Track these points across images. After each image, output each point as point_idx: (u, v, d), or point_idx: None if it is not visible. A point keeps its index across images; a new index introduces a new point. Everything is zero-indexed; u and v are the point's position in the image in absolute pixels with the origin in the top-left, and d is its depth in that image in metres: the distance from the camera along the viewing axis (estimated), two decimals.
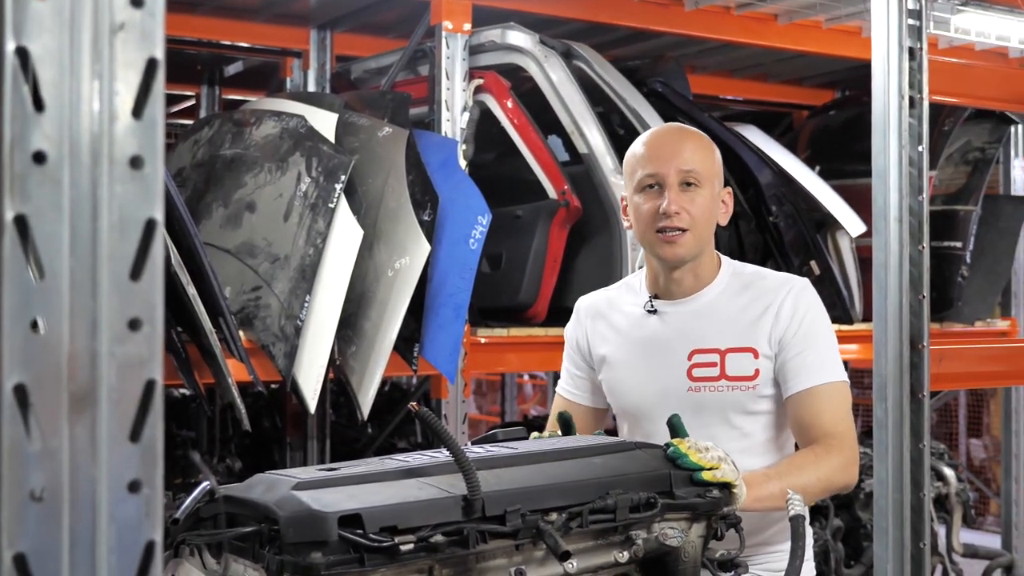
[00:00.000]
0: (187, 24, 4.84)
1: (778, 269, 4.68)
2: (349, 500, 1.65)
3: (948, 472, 5.34)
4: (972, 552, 5.50)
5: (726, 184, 2.39)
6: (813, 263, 4.61)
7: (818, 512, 4.93)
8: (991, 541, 6.19)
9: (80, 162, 0.98)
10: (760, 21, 4.80)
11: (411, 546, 1.65)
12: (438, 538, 1.67)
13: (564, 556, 1.74)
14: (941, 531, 5.32)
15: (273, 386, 4.82)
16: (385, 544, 1.62)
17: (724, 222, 2.36)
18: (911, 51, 2.85)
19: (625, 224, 2.37)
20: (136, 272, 0.97)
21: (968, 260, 5.16)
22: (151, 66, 0.99)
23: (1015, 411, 5.96)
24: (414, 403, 1.76)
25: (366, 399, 3.86)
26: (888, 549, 2.82)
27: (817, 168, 5.26)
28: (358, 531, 1.62)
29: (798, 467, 2.20)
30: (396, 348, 3.89)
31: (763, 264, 4.71)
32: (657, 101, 4.45)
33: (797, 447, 2.35)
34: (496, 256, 4.44)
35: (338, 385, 4.49)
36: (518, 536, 1.75)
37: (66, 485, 0.98)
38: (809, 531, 2.44)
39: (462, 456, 1.72)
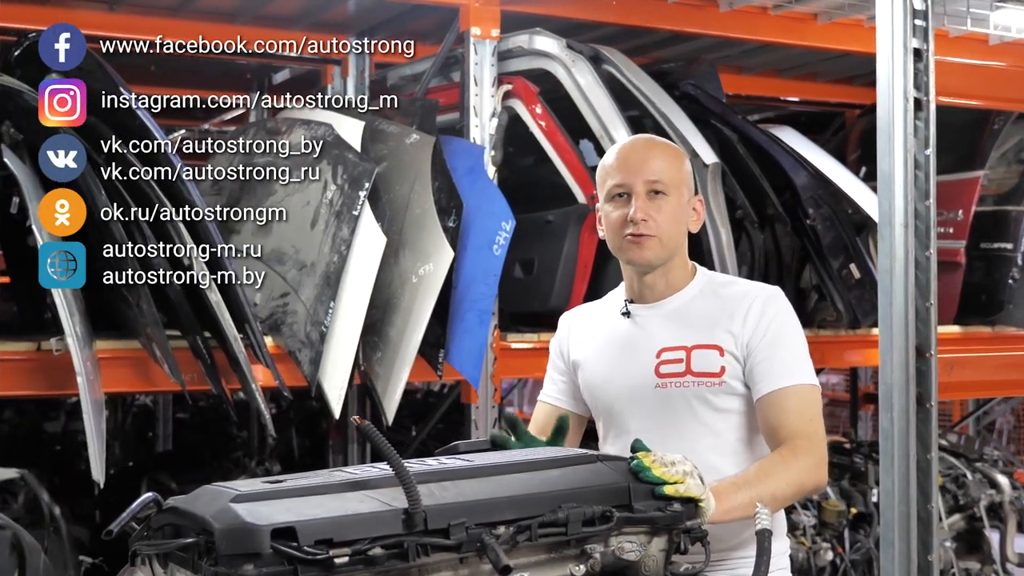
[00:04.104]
0: (233, 34, 4.90)
1: (817, 272, 4.66)
2: (285, 513, 1.66)
3: (1002, 480, 5.23)
4: None
5: (696, 192, 2.45)
6: (853, 266, 4.53)
7: (862, 520, 4.85)
8: None
9: None
10: (799, 21, 4.72)
11: (346, 559, 1.65)
12: (376, 551, 1.67)
13: (505, 570, 1.72)
14: (995, 539, 5.20)
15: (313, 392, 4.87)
16: (319, 557, 1.63)
17: (695, 229, 2.43)
18: (917, 52, 2.78)
19: (600, 234, 2.43)
20: None
21: (1020, 262, 5.02)
22: None
23: None
24: (356, 416, 1.77)
25: (391, 404, 3.90)
26: (894, 562, 2.76)
27: (864, 168, 5.17)
28: (292, 544, 1.63)
29: (767, 473, 2.19)
30: (422, 353, 3.92)
31: (802, 268, 4.66)
32: (689, 104, 4.41)
33: None
34: (528, 261, 4.45)
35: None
36: (461, 550, 1.75)
37: None
38: (786, 541, 2.44)
39: (402, 469, 1.72)
